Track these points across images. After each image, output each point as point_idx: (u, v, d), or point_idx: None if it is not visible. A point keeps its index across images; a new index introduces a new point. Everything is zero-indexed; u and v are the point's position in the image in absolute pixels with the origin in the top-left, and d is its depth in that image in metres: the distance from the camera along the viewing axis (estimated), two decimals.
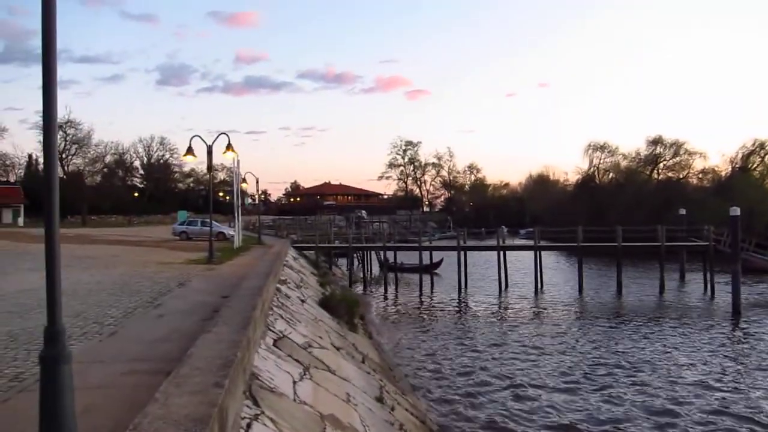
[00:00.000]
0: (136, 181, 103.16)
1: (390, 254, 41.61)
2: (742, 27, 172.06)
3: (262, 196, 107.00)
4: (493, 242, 40.39)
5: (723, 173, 69.43)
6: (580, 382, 16.32)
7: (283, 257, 24.12)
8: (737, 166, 68.40)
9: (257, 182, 41.65)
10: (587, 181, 78.26)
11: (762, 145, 67.56)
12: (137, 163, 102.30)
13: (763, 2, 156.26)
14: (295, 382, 7.95)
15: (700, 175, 72.57)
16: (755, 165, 68.21)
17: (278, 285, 15.49)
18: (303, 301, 16.74)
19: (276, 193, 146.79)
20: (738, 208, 29.08)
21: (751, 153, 68.31)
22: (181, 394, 4.51)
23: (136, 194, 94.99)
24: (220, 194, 77.20)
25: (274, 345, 9.15)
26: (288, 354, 9.15)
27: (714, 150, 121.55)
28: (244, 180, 39.15)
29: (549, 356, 19.52)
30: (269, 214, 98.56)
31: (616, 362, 18.55)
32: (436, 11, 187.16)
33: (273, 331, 9.94)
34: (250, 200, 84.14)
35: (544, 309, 29.63)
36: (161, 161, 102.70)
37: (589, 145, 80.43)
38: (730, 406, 14.44)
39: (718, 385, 16.19)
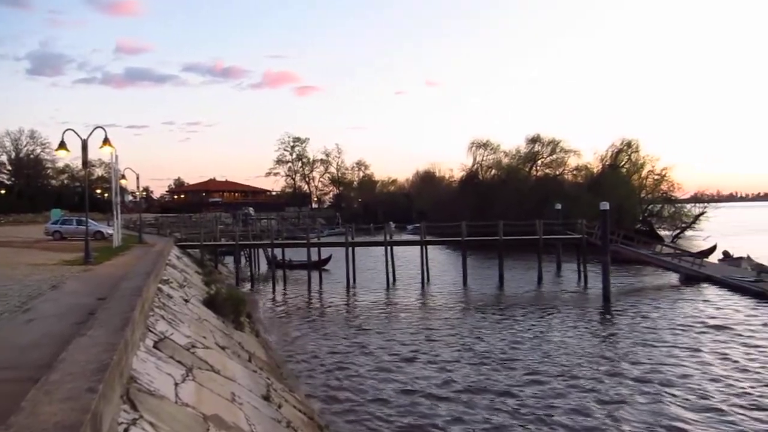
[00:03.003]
0: (3, 178, 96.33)
1: (278, 251, 41.24)
2: (614, 34, 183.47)
3: (144, 194, 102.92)
4: (381, 238, 40.92)
5: (595, 170, 73.69)
6: (461, 370, 17.00)
7: (166, 256, 23.34)
8: (608, 163, 72.82)
9: (137, 179, 39.87)
10: (471, 178, 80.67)
11: (629, 144, 72.42)
12: (4, 158, 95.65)
13: (634, 11, 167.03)
14: (176, 384, 7.74)
15: (575, 172, 76.67)
16: (623, 163, 72.91)
17: (160, 285, 14.98)
18: (186, 300, 16.28)
19: (159, 190, 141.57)
20: (608, 203, 31.04)
21: (620, 151, 72.97)
22: (51, 401, 4.30)
23: (2, 191, 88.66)
24: (98, 191, 73.42)
25: (154, 347, 8.86)
26: (170, 355, 8.89)
27: (587, 148, 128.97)
28: (123, 176, 37.44)
29: (433, 346, 20.19)
30: (151, 211, 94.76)
31: (495, 348, 19.50)
32: (326, 7, 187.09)
33: (154, 333, 9.62)
34: (130, 197, 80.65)
35: (430, 301, 30.42)
36: (32, 156, 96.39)
37: (473, 143, 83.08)
38: (596, 382, 15.65)
39: (586, 364, 17.44)
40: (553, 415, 13.33)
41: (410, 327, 23.56)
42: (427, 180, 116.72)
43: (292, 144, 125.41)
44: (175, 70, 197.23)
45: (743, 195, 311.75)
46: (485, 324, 23.85)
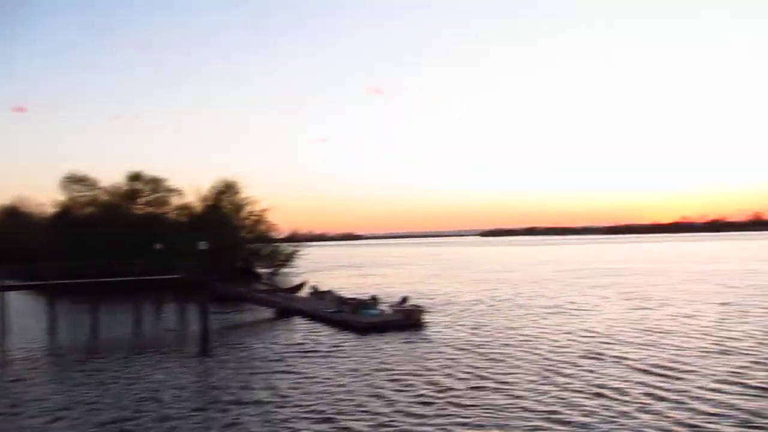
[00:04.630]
0: None
1: None
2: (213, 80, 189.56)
3: None
4: None
5: (198, 210, 74.67)
6: (39, 425, 15.34)
7: None
8: (210, 204, 74.52)
9: None
10: (65, 215, 74.38)
11: (229, 186, 75.46)
12: None
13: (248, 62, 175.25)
14: None
15: (178, 211, 76.52)
16: (225, 203, 75.51)
17: None
18: None
19: None
20: (206, 242, 31.66)
21: (222, 192, 75.46)
22: None
23: None
24: None
25: None
26: None
27: (191, 188, 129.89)
28: None
29: (6, 403, 17.80)
30: None
31: (83, 397, 18.02)
32: None
33: None
34: None
35: (9, 356, 26.75)
36: None
37: (68, 177, 76.89)
38: (198, 414, 15.69)
39: (185, 401, 17.30)
40: None
41: None
42: (12, 216, 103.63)
43: None
44: None
45: (332, 235, 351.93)
46: (74, 373, 21.96)
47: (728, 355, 21.92)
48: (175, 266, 39.05)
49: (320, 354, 24.53)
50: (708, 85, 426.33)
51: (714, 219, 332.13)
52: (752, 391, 16.89)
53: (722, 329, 27.33)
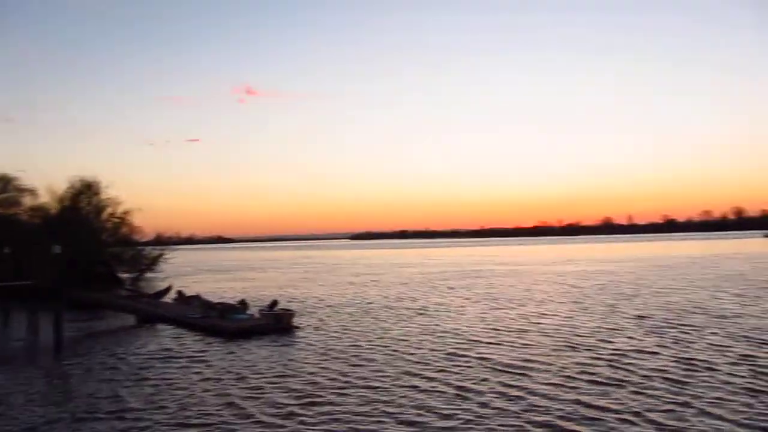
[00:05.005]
0: None
1: None
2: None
3: None
4: None
5: (54, 211, 70.15)
6: None
7: None
8: (67, 204, 70.20)
9: None
10: None
11: (89, 186, 71.37)
12: None
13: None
14: None
15: (31, 213, 71.55)
16: (84, 204, 71.35)
17: None
18: None
19: None
20: (60, 246, 30.04)
21: (80, 193, 71.22)
22: None
23: None
24: None
25: None
26: None
27: (47, 188, 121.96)
28: None
29: None
30: None
31: None
32: None
33: None
34: None
35: None
36: None
37: None
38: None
39: (35, 422, 16.29)
40: None
41: None
42: None
43: None
44: None
45: (200, 237, 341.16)
46: None
47: (576, 351, 23.60)
48: (26, 272, 36.69)
49: (182, 361, 23.86)
50: (555, 91, 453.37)
51: (569, 223, 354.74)
52: (597, 386, 18.24)
53: (570, 327, 29.38)
